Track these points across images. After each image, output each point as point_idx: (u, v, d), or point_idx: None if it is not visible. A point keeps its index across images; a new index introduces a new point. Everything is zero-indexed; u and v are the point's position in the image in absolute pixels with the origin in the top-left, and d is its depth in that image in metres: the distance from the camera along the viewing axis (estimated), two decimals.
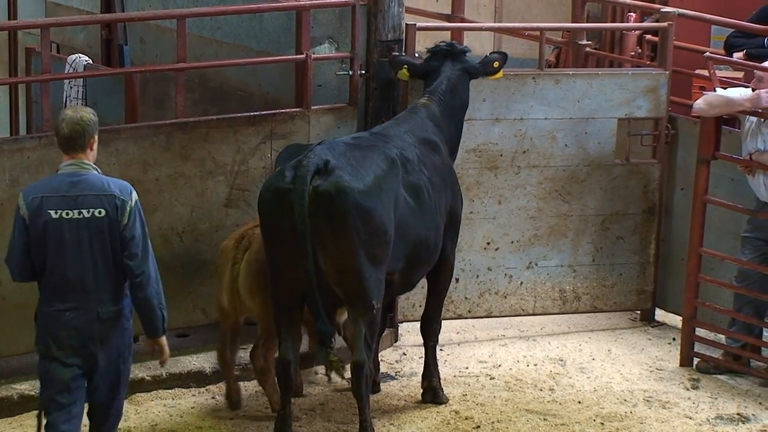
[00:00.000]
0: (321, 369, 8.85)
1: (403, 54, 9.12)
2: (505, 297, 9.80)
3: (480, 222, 9.61)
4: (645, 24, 11.46)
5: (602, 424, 8.38)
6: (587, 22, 11.55)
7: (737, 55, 10.39)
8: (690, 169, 9.56)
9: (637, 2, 11.75)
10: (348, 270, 7.60)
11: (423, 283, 8.67)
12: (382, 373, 8.97)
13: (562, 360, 9.40)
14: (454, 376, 9.04)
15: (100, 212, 6.54)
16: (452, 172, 8.62)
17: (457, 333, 9.82)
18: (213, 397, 8.52)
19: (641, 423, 8.41)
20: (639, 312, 10.25)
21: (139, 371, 8.39)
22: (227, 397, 8.35)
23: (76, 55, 10.22)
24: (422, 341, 8.74)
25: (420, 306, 9.06)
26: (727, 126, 9.25)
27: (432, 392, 8.62)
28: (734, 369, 9.20)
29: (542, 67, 9.71)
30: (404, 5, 9.37)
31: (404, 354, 9.42)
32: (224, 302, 8.13)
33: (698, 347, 9.40)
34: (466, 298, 9.71)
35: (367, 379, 7.73)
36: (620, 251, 9.94)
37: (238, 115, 9.07)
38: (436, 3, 13.65)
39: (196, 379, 8.70)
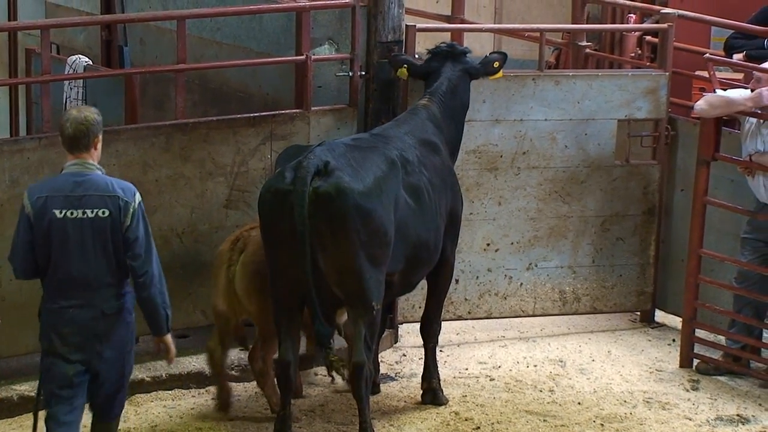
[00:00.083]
0: (321, 370, 8.85)
1: (403, 54, 9.12)
2: (505, 298, 9.80)
3: (480, 223, 9.61)
4: (645, 25, 11.48)
5: (602, 425, 8.38)
6: (587, 24, 11.55)
7: (737, 57, 10.39)
8: (690, 171, 9.56)
9: (637, 3, 11.76)
10: (348, 271, 7.60)
11: (423, 284, 8.67)
12: (382, 374, 8.97)
13: (561, 361, 9.40)
14: (454, 377, 9.04)
15: (103, 212, 6.59)
16: (452, 173, 8.62)
17: (457, 334, 9.82)
18: (213, 398, 8.51)
19: (641, 424, 8.41)
20: (639, 313, 10.24)
21: (139, 372, 8.39)
22: (217, 398, 8.32)
23: (76, 56, 10.22)
24: (422, 342, 8.74)
25: (420, 307, 9.06)
26: (726, 127, 9.25)
27: (432, 393, 8.62)
28: (734, 370, 9.20)
29: (542, 69, 9.71)
30: (404, 6, 9.37)
31: (404, 355, 9.42)
32: (220, 304, 8.11)
33: (698, 348, 9.40)
34: (465, 299, 9.71)
35: (366, 380, 7.73)
36: (620, 252, 9.94)
37: (238, 116, 9.07)
38: (436, 4, 13.66)
39: (196, 380, 8.69)
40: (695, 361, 9.35)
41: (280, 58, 9.44)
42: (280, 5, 9.71)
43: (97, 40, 10.90)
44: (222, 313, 8.14)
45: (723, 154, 9.15)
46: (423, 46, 9.60)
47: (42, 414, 6.88)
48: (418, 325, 8.86)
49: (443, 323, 8.88)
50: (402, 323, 9.61)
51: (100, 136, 6.71)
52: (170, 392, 8.60)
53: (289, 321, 7.75)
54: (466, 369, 9.22)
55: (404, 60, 8.91)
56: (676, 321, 9.89)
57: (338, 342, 8.62)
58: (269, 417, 8.21)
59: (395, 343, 9.59)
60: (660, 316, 10.21)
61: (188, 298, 8.84)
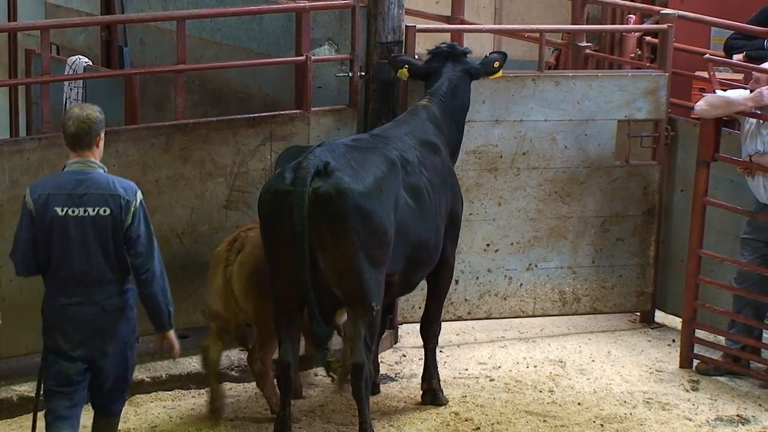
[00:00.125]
0: (321, 371, 8.84)
1: (403, 55, 9.12)
2: (505, 299, 9.80)
3: (480, 224, 9.61)
4: (645, 26, 11.48)
5: (602, 425, 8.38)
6: (587, 24, 11.55)
7: (737, 57, 10.39)
8: (690, 171, 9.56)
9: (636, 4, 11.76)
10: (348, 272, 7.60)
11: (422, 284, 8.67)
12: (382, 374, 8.97)
13: (561, 361, 9.40)
14: (454, 378, 9.04)
15: (105, 211, 6.65)
16: (452, 173, 8.62)
17: (457, 335, 9.81)
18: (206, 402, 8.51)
19: (641, 425, 8.41)
20: (639, 314, 10.24)
21: (138, 373, 8.38)
22: (209, 402, 8.20)
23: (76, 56, 10.23)
24: (422, 343, 8.74)
25: (420, 308, 9.07)
26: (726, 128, 9.25)
27: (432, 394, 8.62)
28: (734, 371, 9.20)
29: (542, 69, 9.71)
30: (404, 7, 9.37)
31: (404, 355, 9.42)
32: (217, 305, 8.08)
33: (698, 349, 9.40)
34: (465, 299, 9.71)
35: (366, 381, 7.73)
36: (620, 253, 9.94)
37: (238, 116, 9.07)
38: (436, 5, 13.66)
39: (195, 381, 8.69)
40: (695, 362, 9.35)
41: (280, 59, 9.44)
42: (280, 6, 9.72)
43: (97, 41, 10.92)
44: (218, 313, 8.12)
45: (723, 154, 9.15)
46: (423, 46, 9.61)
47: (41, 414, 6.91)
48: (418, 326, 8.86)
49: (443, 324, 8.87)
50: (402, 324, 9.61)
51: (102, 135, 6.77)
52: (170, 393, 8.60)
53: (289, 322, 7.75)
54: (466, 369, 9.22)
55: (405, 61, 8.91)
56: (675, 321, 9.89)
57: (338, 342, 8.64)
58: (269, 417, 8.21)
59: (395, 343, 9.59)
60: (660, 316, 10.21)
61: (188, 298, 8.84)
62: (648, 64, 10.84)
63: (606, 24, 12.15)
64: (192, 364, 8.74)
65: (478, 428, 8.29)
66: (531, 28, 11.42)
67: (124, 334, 6.79)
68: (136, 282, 6.77)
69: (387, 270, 7.82)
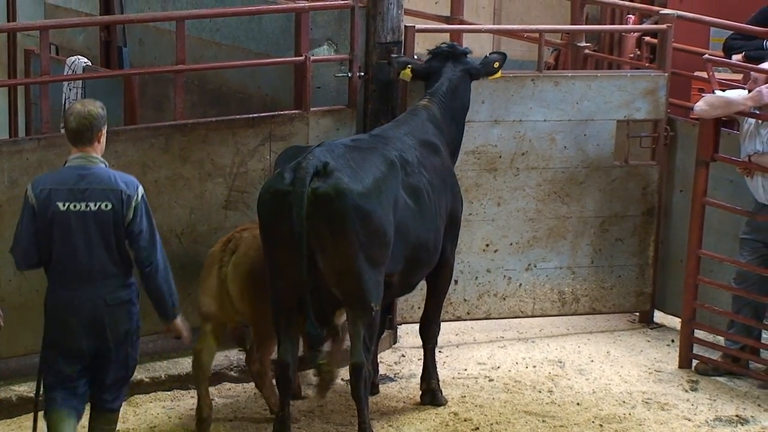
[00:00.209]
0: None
1: (403, 55, 9.13)
2: (504, 299, 9.80)
3: (479, 224, 9.61)
4: (644, 26, 11.48)
5: (601, 425, 8.38)
6: (586, 24, 11.55)
7: (736, 57, 10.40)
8: (689, 171, 9.56)
9: (636, 4, 11.77)
10: (347, 272, 7.60)
11: (422, 284, 8.67)
12: (381, 374, 8.97)
13: (560, 362, 9.40)
14: (453, 378, 9.04)
15: (106, 206, 6.71)
16: (452, 174, 8.62)
17: (456, 335, 9.82)
18: (212, 399, 8.50)
19: (640, 425, 8.41)
20: (638, 314, 10.24)
21: (138, 373, 8.32)
22: (197, 411, 8.06)
23: (75, 56, 10.23)
24: (421, 343, 8.74)
25: (419, 308, 9.07)
26: (726, 128, 9.25)
27: (431, 394, 8.62)
28: (733, 371, 9.20)
29: (541, 69, 9.71)
30: (403, 7, 9.37)
31: (403, 356, 9.42)
32: (210, 305, 8.03)
33: (697, 349, 9.39)
34: (465, 299, 9.71)
35: (365, 381, 7.73)
36: (619, 253, 9.95)
37: (237, 117, 9.07)
38: (435, 5, 13.66)
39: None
40: (694, 362, 9.35)
41: (279, 59, 9.44)
42: (279, 6, 9.72)
43: (96, 41, 10.91)
44: (212, 314, 8.04)
45: (722, 154, 9.15)
46: (422, 46, 9.61)
47: (42, 414, 6.94)
48: (417, 326, 8.86)
49: (442, 324, 8.87)
50: (401, 324, 9.61)
51: (104, 130, 6.83)
52: (169, 393, 8.60)
53: (288, 322, 7.74)
54: (465, 370, 9.23)
55: (407, 61, 8.91)
56: (675, 322, 9.89)
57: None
58: (268, 418, 8.21)
59: (394, 343, 9.59)
60: (659, 316, 10.21)
61: (187, 299, 8.79)
62: (647, 65, 10.85)
63: (605, 24, 12.15)
64: (191, 364, 8.73)
65: (477, 428, 8.29)
66: (530, 29, 11.43)
67: (125, 329, 6.84)
68: (140, 275, 6.84)
69: (386, 270, 7.82)
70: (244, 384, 8.70)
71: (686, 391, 8.99)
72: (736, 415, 8.60)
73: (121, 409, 7.22)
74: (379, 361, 8.91)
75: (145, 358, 8.51)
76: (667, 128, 9.86)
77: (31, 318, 7.98)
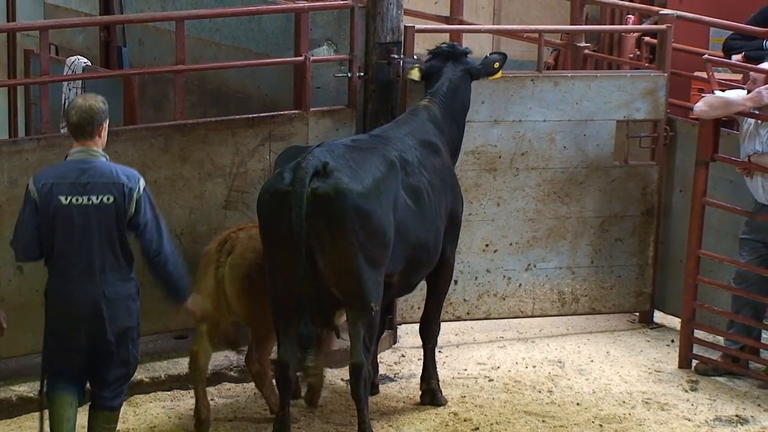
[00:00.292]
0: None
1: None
2: (504, 299, 9.81)
3: (479, 224, 9.61)
4: (644, 26, 11.48)
5: (601, 425, 8.38)
6: (586, 24, 11.55)
7: (736, 58, 10.40)
8: (688, 171, 9.56)
9: (635, 4, 11.76)
10: (346, 272, 7.60)
11: (422, 284, 8.67)
12: (381, 374, 8.97)
13: (560, 362, 9.40)
14: (453, 378, 9.04)
15: (108, 199, 6.77)
16: (453, 174, 8.62)
17: (456, 335, 9.82)
18: (212, 399, 8.50)
19: (640, 425, 8.41)
20: (638, 314, 10.24)
21: (137, 373, 8.29)
22: (195, 412, 8.05)
23: (75, 56, 10.23)
24: (421, 343, 8.74)
25: (419, 308, 9.07)
26: (725, 128, 9.26)
27: (431, 394, 8.62)
28: (733, 371, 9.20)
29: (541, 69, 9.71)
30: (403, 7, 9.37)
31: (403, 356, 9.42)
32: (206, 305, 8.01)
33: (697, 349, 9.40)
34: (464, 299, 9.71)
35: (365, 381, 7.73)
36: (619, 253, 9.95)
37: (237, 117, 9.07)
38: (435, 5, 13.66)
39: None
40: (694, 362, 9.35)
41: (278, 59, 9.44)
42: (278, 6, 9.72)
43: (95, 41, 10.91)
44: (207, 314, 8.00)
45: (722, 154, 9.15)
46: (422, 47, 9.61)
47: (46, 414, 7.00)
48: (417, 326, 8.86)
49: (442, 324, 8.87)
50: (401, 324, 9.61)
51: (105, 125, 6.90)
52: (169, 393, 8.60)
53: (288, 322, 7.74)
54: (465, 370, 9.23)
55: (415, 61, 8.90)
56: (674, 322, 9.89)
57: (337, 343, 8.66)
58: (268, 418, 8.21)
59: (394, 343, 9.59)
60: (659, 316, 10.21)
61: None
62: (647, 65, 10.84)
63: (605, 24, 12.15)
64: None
65: (477, 428, 8.29)
66: (530, 29, 11.43)
67: (125, 325, 6.89)
68: (148, 265, 6.93)
69: (386, 270, 7.82)
70: (244, 384, 8.70)
71: (686, 391, 8.99)
72: (736, 415, 8.60)
73: (121, 409, 7.24)
74: (378, 361, 8.91)
75: (144, 358, 8.50)
76: (666, 128, 9.86)
77: (30, 318, 7.98)
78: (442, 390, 8.67)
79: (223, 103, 9.97)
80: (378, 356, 8.86)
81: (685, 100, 10.77)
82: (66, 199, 6.74)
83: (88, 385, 7.09)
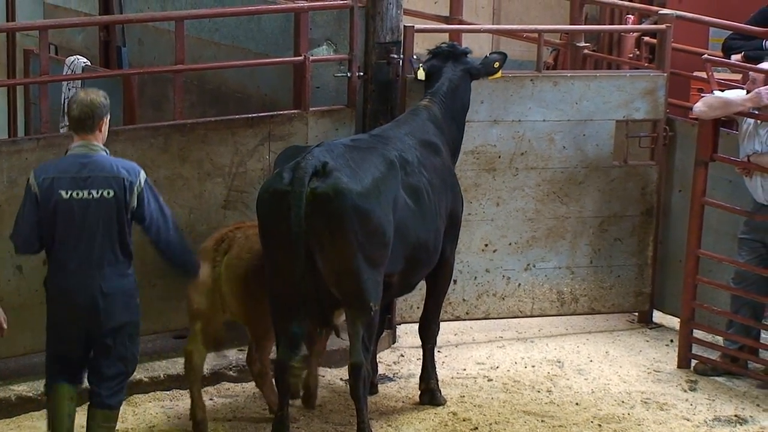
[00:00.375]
0: (318, 370, 8.83)
1: (403, 56, 9.13)
2: (503, 299, 9.81)
3: (478, 224, 9.61)
4: (643, 26, 11.48)
5: (600, 425, 8.38)
6: (585, 24, 11.55)
7: (735, 58, 10.40)
8: (688, 171, 9.56)
9: (635, 4, 11.76)
10: (346, 272, 7.60)
11: (421, 284, 8.67)
12: (380, 374, 8.97)
13: (559, 362, 9.40)
14: (452, 378, 9.04)
15: (108, 193, 6.83)
16: (453, 174, 8.62)
17: (455, 334, 9.82)
18: (210, 399, 8.51)
19: (639, 425, 8.41)
20: (637, 314, 10.25)
21: (137, 372, 8.29)
22: (191, 413, 8.05)
23: (75, 56, 10.23)
24: (420, 343, 8.74)
25: (418, 308, 9.07)
26: (724, 128, 9.26)
27: (430, 394, 8.62)
28: (732, 371, 9.20)
29: (540, 69, 9.71)
30: (402, 7, 9.37)
31: (402, 355, 9.42)
32: (199, 302, 7.98)
33: (696, 349, 9.40)
34: (464, 299, 9.71)
35: (364, 381, 7.73)
36: (618, 253, 9.95)
37: (236, 116, 9.07)
38: (435, 5, 13.65)
39: None
40: (693, 362, 9.36)
41: (278, 59, 9.44)
42: (278, 6, 9.72)
43: (95, 41, 10.91)
44: (201, 312, 7.98)
45: (721, 154, 9.15)
46: (421, 46, 9.61)
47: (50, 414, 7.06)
48: (416, 326, 8.86)
49: (441, 323, 8.88)
50: (400, 324, 9.61)
51: (106, 119, 6.95)
52: (168, 393, 8.60)
53: (287, 322, 7.73)
54: (464, 369, 9.23)
55: (422, 62, 8.90)
56: (674, 321, 9.89)
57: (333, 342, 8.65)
58: (267, 417, 8.21)
59: (393, 343, 9.59)
60: (658, 316, 10.21)
61: (185, 299, 8.81)
62: (646, 65, 10.84)
63: (604, 24, 12.14)
64: None
65: (476, 428, 8.29)
66: (529, 29, 11.42)
67: (122, 320, 6.93)
68: (157, 251, 7.03)
69: (386, 270, 7.82)
70: (243, 383, 8.70)
71: (685, 391, 8.99)
72: (735, 415, 8.60)
73: (121, 408, 7.24)
74: (378, 360, 8.91)
75: (144, 358, 8.49)
76: (666, 128, 9.86)
77: (29, 318, 7.99)
78: (441, 390, 8.68)
79: (222, 103, 9.97)
80: (377, 356, 8.86)
81: (684, 100, 10.77)
82: (67, 193, 6.79)
83: (87, 384, 7.11)
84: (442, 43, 8.99)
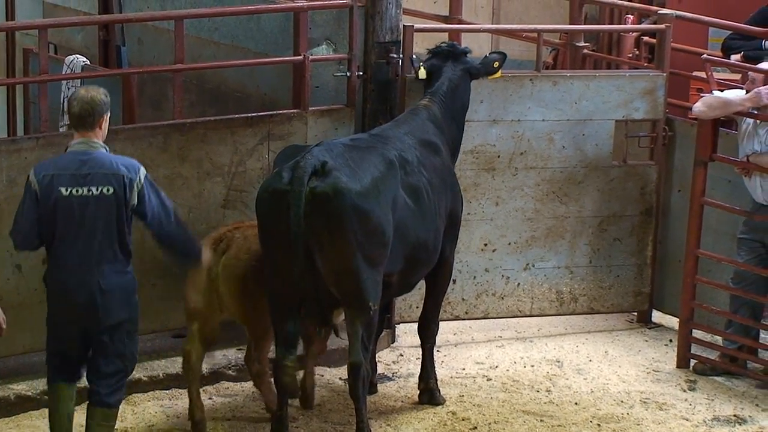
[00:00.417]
0: (318, 370, 8.84)
1: (407, 55, 9.13)
2: (503, 298, 9.81)
3: (477, 223, 9.61)
4: (643, 26, 11.48)
5: (599, 425, 8.38)
6: (585, 24, 11.55)
7: (735, 57, 10.40)
8: (687, 171, 9.57)
9: (634, 4, 11.76)
10: (345, 271, 7.60)
11: (420, 284, 8.67)
12: (379, 374, 8.97)
13: (559, 361, 9.41)
14: (451, 377, 9.04)
15: (108, 190, 6.85)
16: (453, 174, 8.61)
17: (454, 334, 9.82)
18: (210, 398, 8.52)
19: (638, 424, 8.41)
20: (636, 313, 10.25)
21: (136, 371, 8.29)
22: (190, 413, 8.05)
23: (74, 55, 10.23)
24: (419, 342, 8.74)
25: (417, 307, 9.07)
26: (724, 128, 9.26)
27: (429, 393, 8.62)
28: (731, 371, 9.20)
29: (540, 69, 9.71)
30: (402, 7, 9.37)
31: (401, 355, 9.42)
32: (196, 301, 7.98)
33: (695, 349, 9.40)
34: (463, 299, 9.71)
35: (364, 381, 7.73)
36: (617, 253, 9.95)
37: (236, 116, 9.07)
38: (434, 4, 13.66)
39: None
40: (692, 362, 9.36)
41: (277, 59, 9.44)
42: (277, 5, 9.72)
43: (94, 40, 10.91)
44: (198, 311, 7.97)
45: (720, 154, 9.15)
46: (421, 46, 9.61)
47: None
48: (415, 325, 8.86)
49: (440, 323, 8.88)
50: (399, 323, 9.61)
51: (106, 117, 6.98)
52: (167, 392, 8.60)
53: (286, 321, 7.73)
54: (463, 369, 9.23)
55: (422, 61, 8.90)
56: (673, 321, 9.89)
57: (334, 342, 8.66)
58: (267, 417, 8.20)
59: (392, 343, 9.59)
60: (657, 316, 10.21)
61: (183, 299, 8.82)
62: (646, 64, 10.83)
63: (604, 24, 12.14)
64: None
65: (475, 428, 8.29)
66: (529, 28, 11.43)
67: (121, 318, 6.95)
68: (159, 245, 7.10)
69: (385, 270, 7.82)
70: (242, 383, 8.70)
71: (684, 390, 8.99)
72: (734, 415, 8.61)
73: (120, 408, 7.25)
74: (377, 360, 8.91)
75: (143, 357, 8.50)
76: (665, 128, 9.86)
77: (29, 317, 7.99)
78: (441, 389, 8.68)
79: (221, 102, 9.97)
80: (376, 355, 8.86)
81: (684, 99, 10.77)
82: (66, 190, 6.82)
83: (86, 383, 7.11)
84: (442, 43, 8.99)
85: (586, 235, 9.87)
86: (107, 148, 6.97)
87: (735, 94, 9.03)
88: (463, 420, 8.38)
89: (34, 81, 9.27)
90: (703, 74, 9.79)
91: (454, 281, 9.44)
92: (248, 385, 8.60)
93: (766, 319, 9.43)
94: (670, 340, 9.77)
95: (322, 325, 8.02)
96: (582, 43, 11.13)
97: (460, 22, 11.81)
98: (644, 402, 8.76)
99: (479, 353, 9.51)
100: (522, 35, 11.76)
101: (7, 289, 8.20)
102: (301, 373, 8.36)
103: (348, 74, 9.23)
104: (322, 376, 8.80)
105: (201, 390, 8.41)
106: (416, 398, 8.65)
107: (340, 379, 8.84)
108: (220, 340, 8.53)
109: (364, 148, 7.96)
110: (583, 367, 9.34)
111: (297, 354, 7.73)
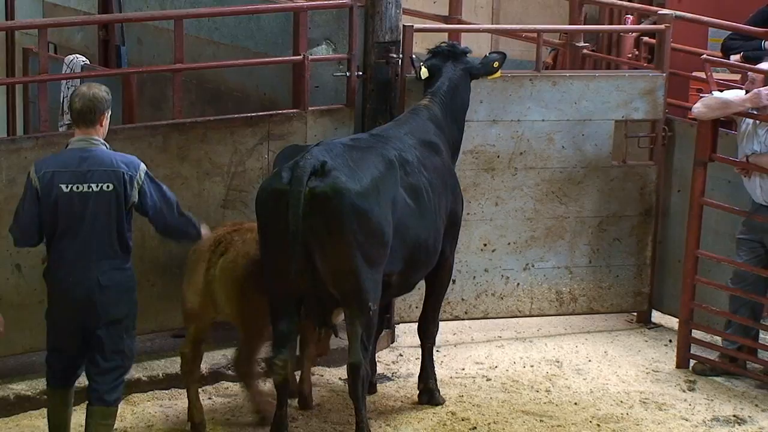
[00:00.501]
0: (318, 370, 8.84)
1: (406, 55, 9.13)
2: (502, 298, 9.81)
3: (477, 223, 9.61)
4: (642, 26, 11.48)
5: (598, 425, 8.38)
6: (584, 24, 11.55)
7: (734, 58, 10.39)
8: (687, 171, 9.57)
9: (634, 4, 11.76)
10: (344, 271, 7.60)
11: (420, 284, 8.66)
12: (379, 374, 8.97)
13: (558, 361, 9.41)
14: (451, 378, 9.04)
15: (108, 186, 6.89)
16: (453, 174, 8.61)
17: (454, 334, 9.82)
18: (209, 398, 8.51)
19: (637, 425, 8.41)
20: (635, 314, 10.25)
21: (135, 371, 8.38)
22: (189, 416, 8.06)
23: (74, 55, 10.22)
24: (419, 342, 8.74)
25: (417, 307, 9.07)
26: (723, 128, 9.26)
27: (428, 393, 8.62)
28: (730, 371, 9.20)
29: (539, 69, 9.72)
30: (402, 6, 9.37)
31: (401, 355, 9.42)
32: (193, 301, 7.98)
33: (695, 349, 9.40)
34: (462, 299, 9.71)
35: (363, 381, 7.73)
36: (617, 253, 9.95)
37: (236, 116, 9.07)
38: (434, 4, 13.65)
39: None
40: (692, 362, 9.36)
41: (277, 58, 9.44)
42: (277, 5, 9.72)
43: (94, 40, 10.91)
44: (195, 311, 7.97)
45: (720, 155, 9.16)
46: (420, 46, 9.61)
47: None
48: (415, 325, 8.86)
49: (440, 323, 8.88)
50: (399, 323, 9.61)
51: (107, 114, 7.02)
52: (167, 392, 8.59)
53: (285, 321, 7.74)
54: (463, 369, 9.23)
55: (422, 60, 8.90)
56: (672, 322, 9.90)
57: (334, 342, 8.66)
58: (266, 417, 8.19)
59: (392, 343, 9.59)
60: (657, 316, 10.21)
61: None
62: (645, 65, 10.84)
63: (603, 24, 12.13)
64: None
65: (475, 428, 8.29)
66: (528, 28, 11.43)
67: (119, 314, 6.98)
68: (159, 234, 7.21)
69: (385, 270, 7.82)
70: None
71: (684, 391, 9.00)
72: (734, 415, 8.61)
73: (119, 407, 7.25)
74: (376, 360, 8.91)
75: (142, 357, 8.51)
76: (665, 128, 9.86)
77: (28, 317, 8.00)
78: (440, 389, 8.68)
79: (221, 102, 9.97)
80: (376, 355, 8.86)
81: (683, 100, 10.76)
82: (67, 187, 6.85)
83: (85, 383, 7.12)
84: (442, 43, 8.98)
85: (585, 235, 9.87)
86: (107, 145, 7.01)
87: (735, 95, 9.03)
88: (462, 420, 8.38)
89: (34, 81, 9.27)
90: (702, 74, 9.79)
91: (454, 281, 9.43)
92: None
93: (766, 319, 9.44)
94: (670, 341, 9.77)
95: (321, 326, 8.02)
96: (582, 44, 11.13)
97: (460, 22, 11.82)
98: (644, 402, 8.76)
99: (479, 353, 9.51)
100: (522, 35, 11.76)
101: (6, 289, 8.20)
102: (299, 375, 8.37)
103: (348, 74, 9.23)
104: (322, 376, 8.80)
105: (200, 390, 8.43)
106: (416, 398, 8.65)
107: (340, 379, 8.84)
108: (220, 340, 8.56)
109: (364, 148, 7.95)
110: (583, 367, 9.34)
111: (288, 354, 7.70)
